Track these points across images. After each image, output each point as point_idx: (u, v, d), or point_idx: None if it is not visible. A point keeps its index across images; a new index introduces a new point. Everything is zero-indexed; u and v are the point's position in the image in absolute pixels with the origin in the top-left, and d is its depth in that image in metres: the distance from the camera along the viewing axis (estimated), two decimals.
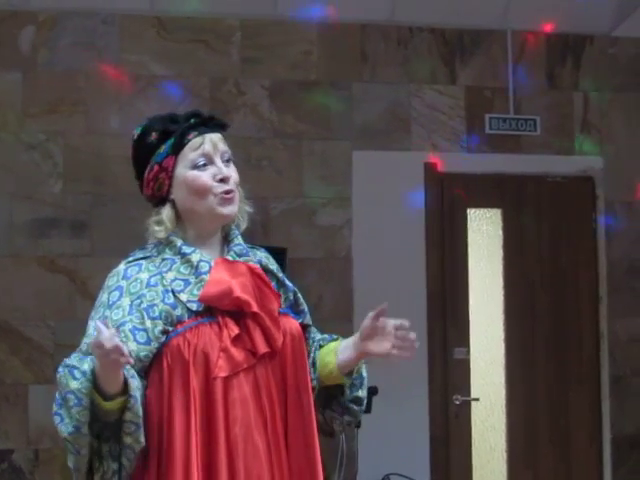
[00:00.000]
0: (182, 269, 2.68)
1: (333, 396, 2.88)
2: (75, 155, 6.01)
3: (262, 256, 2.83)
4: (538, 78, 6.61)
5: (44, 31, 6.06)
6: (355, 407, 2.88)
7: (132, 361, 2.46)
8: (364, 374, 2.89)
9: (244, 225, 2.83)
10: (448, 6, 6.32)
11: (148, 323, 2.59)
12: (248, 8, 6.20)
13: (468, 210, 6.56)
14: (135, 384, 2.51)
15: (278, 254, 5.43)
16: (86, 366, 2.48)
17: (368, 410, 5.47)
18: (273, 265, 2.83)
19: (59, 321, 5.84)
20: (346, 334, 2.87)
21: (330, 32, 6.37)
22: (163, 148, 2.72)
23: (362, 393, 2.89)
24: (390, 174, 6.32)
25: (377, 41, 6.43)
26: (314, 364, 2.84)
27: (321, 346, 2.89)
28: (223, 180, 2.70)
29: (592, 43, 6.68)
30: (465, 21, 6.45)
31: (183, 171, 2.70)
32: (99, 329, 2.37)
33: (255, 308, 2.66)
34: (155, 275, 2.67)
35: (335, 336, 2.92)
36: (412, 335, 2.75)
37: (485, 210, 6.61)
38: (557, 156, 6.60)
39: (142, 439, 2.53)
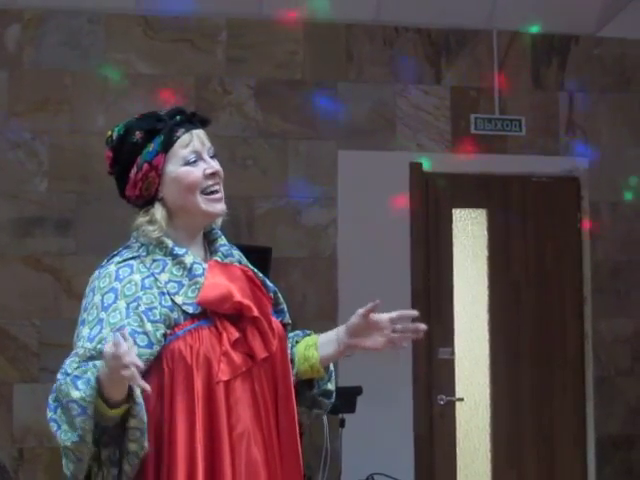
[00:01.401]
0: (174, 271, 2.68)
1: (300, 392, 2.88)
2: (60, 154, 6.03)
3: (237, 254, 2.84)
4: (523, 78, 6.65)
5: (30, 30, 6.07)
6: (325, 400, 2.92)
7: (147, 387, 2.45)
8: (332, 368, 2.93)
9: (219, 221, 2.84)
10: (434, 6, 6.33)
11: (149, 326, 2.57)
12: (234, 7, 6.21)
13: (453, 210, 6.59)
14: (138, 392, 2.49)
15: (263, 253, 5.50)
16: (89, 374, 2.47)
17: (352, 410, 5.54)
18: (250, 265, 2.84)
19: (44, 320, 5.86)
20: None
21: (316, 32, 6.39)
22: (152, 146, 2.69)
23: (331, 386, 2.93)
24: (375, 174, 6.34)
25: (363, 41, 6.45)
26: (292, 360, 2.85)
27: (297, 342, 2.90)
28: (213, 174, 2.71)
29: (577, 44, 6.72)
30: (451, 21, 6.48)
31: (174, 168, 2.70)
32: (118, 341, 2.36)
33: (256, 313, 2.67)
34: (148, 277, 2.66)
35: (308, 331, 2.95)
36: (421, 326, 2.81)
37: (470, 210, 6.64)
38: (542, 156, 6.64)
39: (146, 444, 2.53)
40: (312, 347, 2.86)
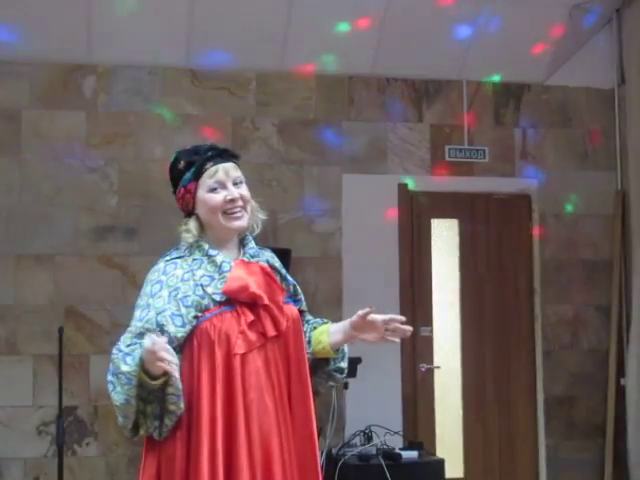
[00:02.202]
0: (208, 267, 2.70)
1: (319, 366, 2.90)
2: (127, 177, 6.00)
3: (269, 256, 2.85)
4: (487, 117, 6.60)
5: (102, 80, 6.06)
6: (337, 375, 2.92)
7: (176, 374, 2.50)
8: (345, 350, 2.92)
9: (257, 231, 2.86)
10: (417, 62, 6.33)
11: (183, 310, 2.62)
12: (261, 63, 6.22)
13: (432, 220, 6.54)
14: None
15: (284, 254, 5.52)
16: (136, 353, 2.53)
17: (354, 375, 5.53)
18: (277, 263, 2.85)
19: (114, 305, 5.83)
20: (336, 316, 2.94)
21: (325, 82, 6.38)
22: (188, 175, 2.74)
23: (343, 364, 2.92)
24: (371, 192, 6.32)
25: (361, 89, 6.42)
26: (309, 341, 2.86)
27: (315, 327, 2.90)
28: (232, 200, 2.73)
29: (529, 90, 6.69)
30: (430, 74, 6.45)
31: (202, 193, 2.73)
32: (153, 340, 2.44)
33: (266, 301, 2.69)
34: (188, 272, 2.69)
35: (325, 320, 2.94)
36: (409, 328, 2.79)
37: (445, 220, 6.59)
38: (501, 178, 6.57)
39: (182, 406, 2.57)
40: (325, 333, 2.85)
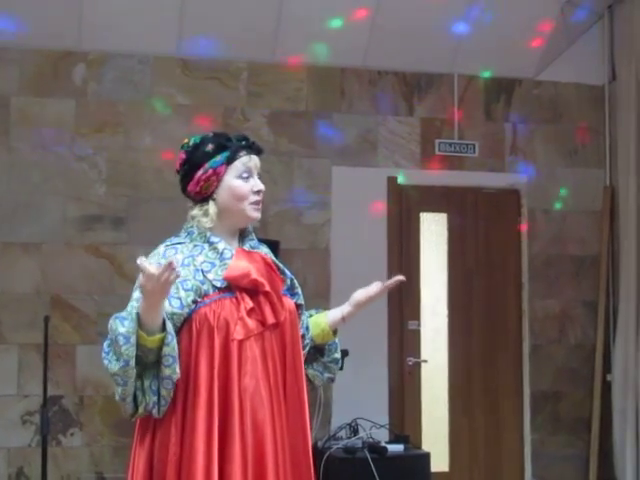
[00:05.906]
0: (209, 254, 2.71)
1: (314, 359, 2.95)
2: (116, 166, 5.97)
3: (265, 251, 2.87)
4: (477, 112, 6.61)
5: (93, 68, 6.03)
6: (333, 366, 2.99)
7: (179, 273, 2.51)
8: (337, 341, 2.99)
9: (251, 228, 2.89)
10: (408, 55, 6.34)
11: (182, 293, 2.62)
12: (252, 53, 6.20)
13: (421, 214, 6.54)
14: (170, 326, 2.55)
15: (273, 245, 5.47)
16: (134, 315, 2.52)
17: (340, 368, 5.49)
18: (273, 258, 2.88)
19: (101, 295, 5.82)
20: (324, 309, 2.98)
21: (316, 73, 6.37)
22: (219, 158, 2.73)
23: (337, 355, 3.00)
24: (361, 185, 6.32)
25: (353, 81, 6.41)
26: (307, 328, 2.91)
27: (311, 315, 2.97)
28: (259, 192, 2.77)
29: (520, 85, 6.70)
30: (421, 67, 6.46)
31: (230, 179, 2.74)
32: (144, 267, 2.41)
33: (268, 288, 2.71)
34: (188, 257, 2.70)
35: (321, 310, 3.03)
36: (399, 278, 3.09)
37: (434, 214, 6.59)
38: (491, 173, 6.59)
39: (178, 370, 2.56)
40: (322, 316, 2.95)
